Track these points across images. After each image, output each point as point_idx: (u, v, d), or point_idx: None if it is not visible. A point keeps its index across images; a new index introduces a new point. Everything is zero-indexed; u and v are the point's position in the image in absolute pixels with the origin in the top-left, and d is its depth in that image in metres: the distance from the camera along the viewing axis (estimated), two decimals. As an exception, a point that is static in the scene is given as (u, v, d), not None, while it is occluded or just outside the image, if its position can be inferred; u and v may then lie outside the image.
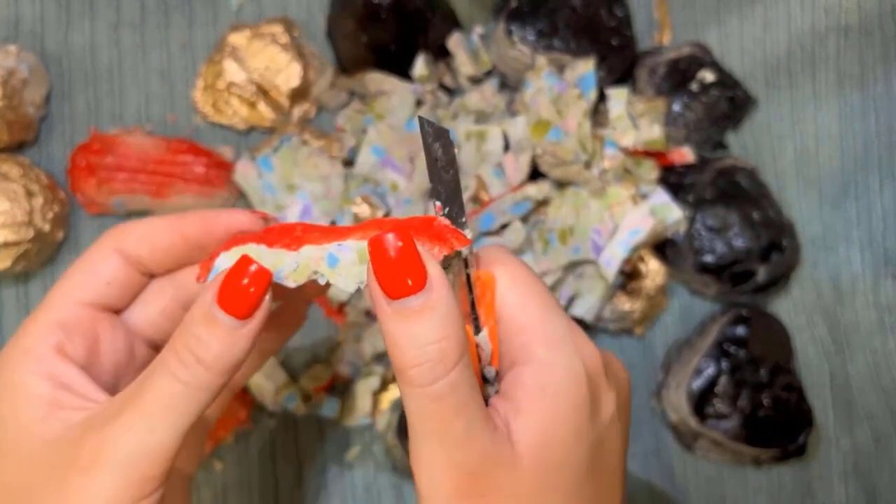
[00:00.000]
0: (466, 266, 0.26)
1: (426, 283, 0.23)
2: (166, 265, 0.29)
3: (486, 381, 0.27)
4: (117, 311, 0.29)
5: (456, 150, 0.25)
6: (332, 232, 0.25)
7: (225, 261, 0.25)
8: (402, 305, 0.23)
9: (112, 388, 0.28)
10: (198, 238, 0.28)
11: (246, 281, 0.24)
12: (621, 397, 0.28)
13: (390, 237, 0.23)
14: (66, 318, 0.27)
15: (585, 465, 0.26)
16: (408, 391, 0.24)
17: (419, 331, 0.23)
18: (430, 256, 0.23)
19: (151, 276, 0.29)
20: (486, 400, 0.27)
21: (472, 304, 0.26)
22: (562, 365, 0.25)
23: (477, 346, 0.26)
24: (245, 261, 0.24)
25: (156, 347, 0.30)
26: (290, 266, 0.25)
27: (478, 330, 0.26)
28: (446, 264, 0.25)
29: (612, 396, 0.27)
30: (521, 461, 0.24)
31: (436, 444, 0.24)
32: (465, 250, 0.25)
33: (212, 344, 0.24)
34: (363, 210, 0.43)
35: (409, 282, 0.23)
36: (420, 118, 0.24)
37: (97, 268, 0.28)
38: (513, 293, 0.26)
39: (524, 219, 0.45)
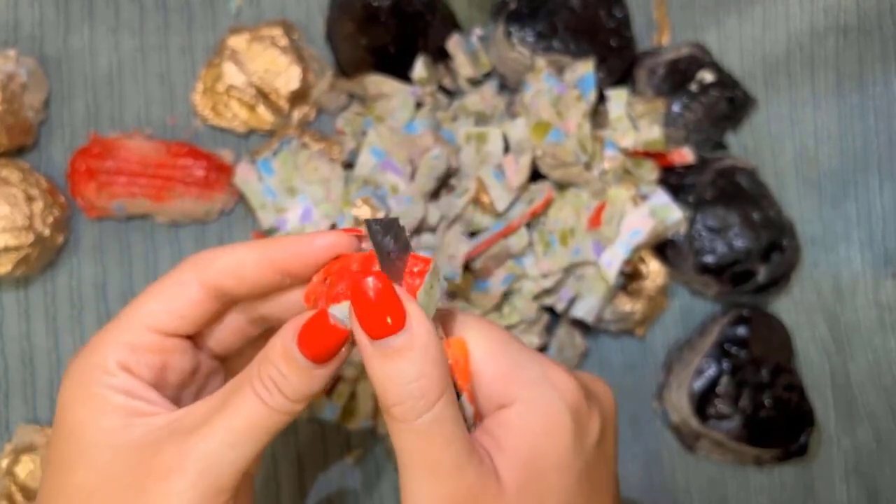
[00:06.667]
0: None
1: (406, 323, 0.24)
2: (253, 295, 0.28)
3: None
4: (190, 337, 0.29)
5: (407, 234, 0.26)
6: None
7: (337, 313, 0.25)
8: (384, 345, 0.24)
9: (174, 400, 0.28)
10: (289, 266, 0.27)
11: (323, 335, 0.25)
12: (606, 417, 0.28)
13: (370, 280, 0.24)
14: (136, 342, 0.27)
15: (573, 493, 0.26)
16: (394, 427, 0.25)
17: (400, 369, 0.24)
18: (410, 298, 0.24)
19: (233, 303, 0.29)
20: None
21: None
22: (538, 402, 0.26)
23: None
24: (323, 314, 0.25)
25: (218, 358, 0.30)
26: None
27: (457, 396, 0.27)
28: None
29: (595, 421, 0.27)
30: (505, 496, 0.25)
31: (424, 477, 0.25)
32: None
33: (291, 379, 0.25)
34: (364, 212, 0.43)
35: (389, 322, 0.24)
36: (367, 221, 0.25)
37: (173, 299, 0.27)
38: (483, 349, 0.27)
39: (528, 226, 0.45)
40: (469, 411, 0.27)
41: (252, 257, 0.27)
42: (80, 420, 0.26)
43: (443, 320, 0.28)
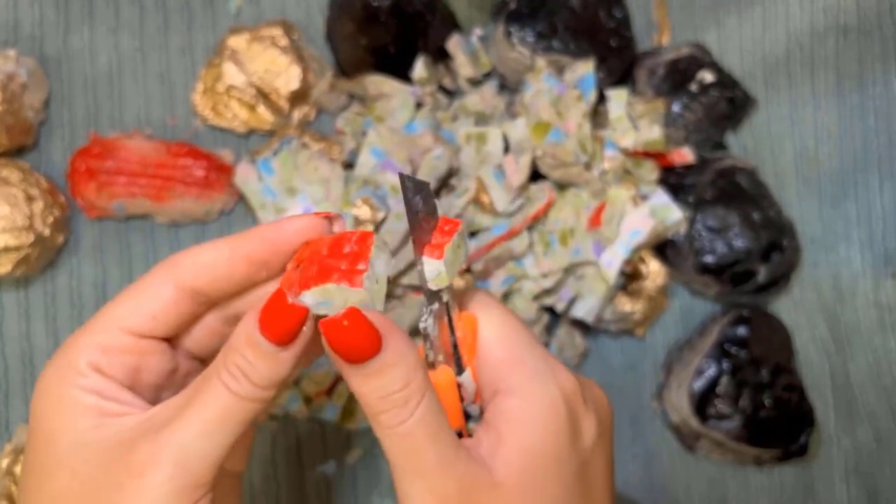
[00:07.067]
0: (448, 310, 0.27)
1: (381, 346, 0.24)
2: (229, 291, 0.28)
3: (471, 418, 0.28)
4: (166, 339, 0.28)
5: (436, 200, 0.27)
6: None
7: (309, 299, 0.25)
8: (363, 368, 0.24)
9: (153, 401, 0.28)
10: (262, 257, 0.27)
11: (282, 316, 0.25)
12: (603, 421, 0.29)
13: (339, 316, 0.24)
14: (108, 343, 0.27)
15: (569, 488, 0.27)
16: (381, 433, 0.25)
17: (382, 384, 0.24)
18: (383, 318, 0.25)
19: (212, 304, 0.28)
20: (471, 433, 0.28)
21: (455, 346, 0.28)
22: (540, 394, 0.27)
23: (459, 385, 0.28)
24: (280, 294, 0.25)
25: (197, 359, 0.30)
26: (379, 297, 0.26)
27: (460, 370, 0.28)
28: (432, 300, 0.27)
29: (592, 420, 0.28)
30: (502, 487, 0.25)
31: (413, 476, 0.25)
32: (444, 295, 0.27)
33: (257, 365, 0.25)
34: (364, 212, 0.43)
35: (365, 349, 0.24)
36: (401, 175, 0.25)
37: (146, 300, 0.27)
38: (493, 331, 0.28)
39: (529, 229, 0.45)
40: (472, 387, 0.28)
41: (223, 253, 0.27)
42: (53, 422, 0.26)
43: (461, 293, 0.29)
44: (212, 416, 0.25)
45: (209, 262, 0.27)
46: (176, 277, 0.27)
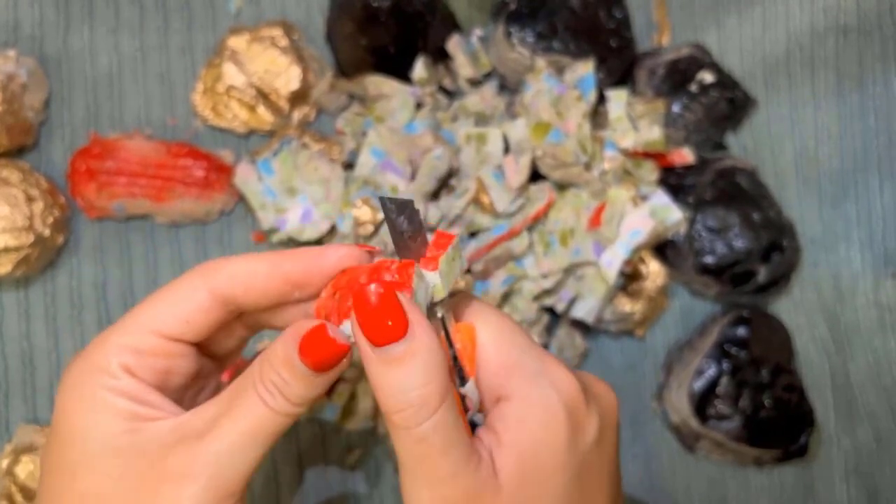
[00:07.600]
0: (444, 324, 0.27)
1: (408, 331, 0.24)
2: (261, 305, 0.28)
3: (477, 426, 0.28)
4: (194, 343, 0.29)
5: (422, 216, 0.26)
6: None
7: (349, 329, 0.25)
8: (386, 353, 0.24)
9: (176, 401, 0.28)
10: (300, 278, 0.27)
11: (325, 347, 0.25)
12: (607, 419, 0.29)
13: (373, 287, 0.24)
14: (139, 345, 0.27)
15: (568, 490, 0.27)
16: (394, 433, 0.25)
17: (402, 377, 0.24)
18: (413, 305, 0.24)
19: (240, 315, 0.29)
20: None
21: (455, 358, 0.27)
22: (538, 397, 0.27)
23: (464, 397, 0.28)
24: (322, 328, 0.25)
25: (214, 357, 0.31)
26: None
27: (463, 382, 0.28)
28: (428, 315, 0.27)
29: (593, 420, 0.28)
30: (502, 492, 0.25)
31: (422, 481, 0.25)
32: (439, 310, 0.27)
33: (292, 384, 0.25)
34: (364, 213, 0.43)
35: (392, 330, 0.24)
36: (381, 198, 0.25)
37: (180, 304, 0.27)
38: (489, 337, 0.28)
39: (529, 229, 0.45)
40: (476, 397, 0.28)
41: (263, 268, 0.27)
42: (82, 424, 0.26)
43: (456, 304, 0.28)
44: (247, 428, 0.25)
45: (247, 273, 0.27)
46: (211, 284, 0.27)
